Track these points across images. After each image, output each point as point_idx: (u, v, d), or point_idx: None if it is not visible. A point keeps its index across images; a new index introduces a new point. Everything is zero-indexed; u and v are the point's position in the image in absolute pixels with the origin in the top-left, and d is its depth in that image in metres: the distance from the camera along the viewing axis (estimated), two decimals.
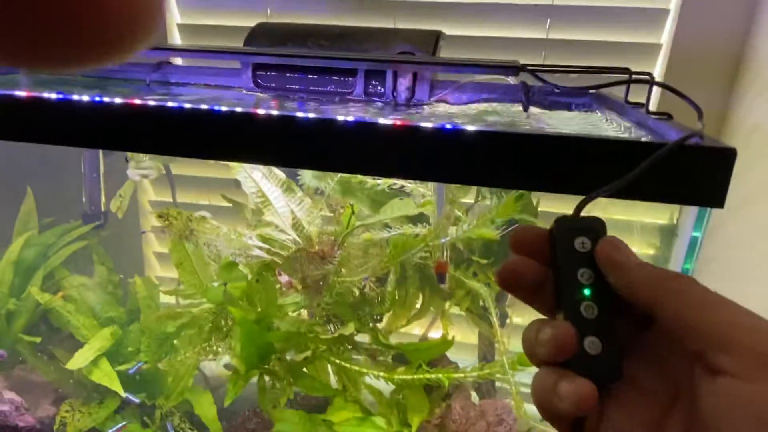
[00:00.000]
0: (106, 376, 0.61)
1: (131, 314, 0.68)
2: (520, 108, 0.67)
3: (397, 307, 0.57)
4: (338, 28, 0.79)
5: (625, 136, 0.44)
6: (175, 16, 1.04)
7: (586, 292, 0.25)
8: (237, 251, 0.49)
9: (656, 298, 0.24)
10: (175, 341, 0.65)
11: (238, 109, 0.39)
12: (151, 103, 0.42)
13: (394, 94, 0.73)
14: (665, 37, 0.86)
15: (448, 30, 0.93)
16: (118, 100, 0.42)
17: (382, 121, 0.37)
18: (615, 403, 0.25)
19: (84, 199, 0.68)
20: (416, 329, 0.77)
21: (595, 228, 0.26)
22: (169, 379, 0.63)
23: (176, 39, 1.05)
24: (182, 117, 0.40)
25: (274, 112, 0.38)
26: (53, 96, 0.43)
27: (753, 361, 0.21)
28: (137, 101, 0.42)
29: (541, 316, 0.27)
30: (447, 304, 0.59)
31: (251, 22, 1.02)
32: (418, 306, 0.63)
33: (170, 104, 0.41)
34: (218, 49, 0.55)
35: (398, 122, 0.37)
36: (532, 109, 0.67)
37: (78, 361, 0.61)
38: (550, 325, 0.25)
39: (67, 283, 0.68)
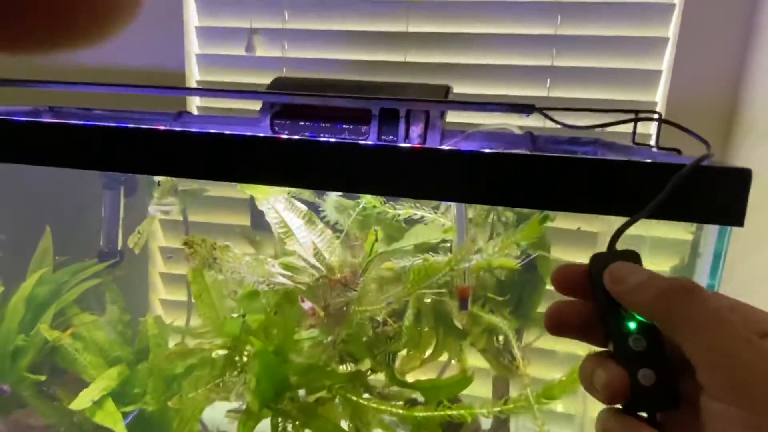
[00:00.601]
0: (110, 418, 0.59)
1: (140, 354, 0.67)
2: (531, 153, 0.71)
3: (410, 348, 0.57)
4: (352, 82, 0.85)
5: None
6: (194, 74, 1.10)
7: (631, 326, 0.26)
8: (260, 278, 0.49)
9: (659, 321, 0.25)
10: (183, 382, 0.63)
11: (261, 134, 0.41)
12: (176, 128, 0.44)
13: (407, 141, 0.76)
14: (659, 95, 0.91)
15: (455, 87, 0.98)
16: (143, 127, 0.44)
17: (402, 144, 0.39)
18: (678, 426, 0.25)
19: (101, 238, 0.69)
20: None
21: (630, 260, 0.27)
22: (174, 422, 0.61)
23: (194, 98, 1.10)
24: (207, 141, 0.42)
25: (297, 137, 0.40)
26: (79, 122, 0.45)
27: (723, 381, 0.22)
28: (162, 127, 0.44)
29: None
30: (463, 344, 0.58)
31: (267, 80, 1.08)
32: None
33: (194, 129, 0.43)
34: (240, 89, 0.58)
35: (418, 145, 0.39)
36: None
37: (82, 400, 0.59)
38: (604, 369, 0.25)
39: (78, 321, 0.67)
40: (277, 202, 0.52)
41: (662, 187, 0.31)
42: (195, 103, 1.10)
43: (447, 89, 0.83)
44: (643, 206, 0.33)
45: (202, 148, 0.41)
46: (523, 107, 0.51)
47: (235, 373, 0.52)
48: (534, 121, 0.94)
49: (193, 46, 1.08)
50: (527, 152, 0.35)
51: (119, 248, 0.70)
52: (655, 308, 0.25)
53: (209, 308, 0.53)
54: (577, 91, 0.93)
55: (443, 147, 0.37)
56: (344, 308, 0.48)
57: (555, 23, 0.92)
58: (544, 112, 0.51)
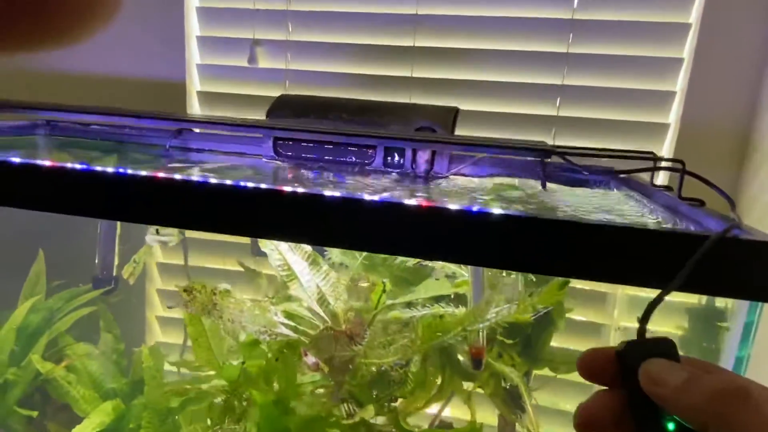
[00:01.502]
0: None
1: (134, 385, 0.64)
2: (538, 183, 0.68)
3: (416, 389, 0.55)
4: (358, 102, 0.82)
5: (656, 219, 0.44)
6: (195, 84, 1.08)
7: (670, 426, 0.24)
8: (262, 328, 0.47)
9: (707, 429, 0.22)
10: (178, 417, 0.61)
11: (263, 186, 0.39)
12: (176, 176, 0.42)
13: (414, 166, 0.74)
14: (672, 117, 0.89)
15: (462, 104, 0.96)
16: (142, 173, 0.42)
17: (408, 201, 0.37)
18: None
19: (97, 264, 0.67)
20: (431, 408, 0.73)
21: (665, 352, 0.26)
22: None
23: (195, 106, 1.08)
24: (206, 191, 0.40)
25: (300, 190, 0.38)
26: (77, 166, 0.43)
27: None
28: (161, 174, 0.42)
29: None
30: (471, 386, 0.56)
31: (269, 92, 1.06)
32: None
33: (194, 178, 0.41)
34: (244, 123, 0.56)
35: (424, 203, 0.37)
36: (550, 185, 0.68)
37: None
38: None
39: (71, 351, 0.65)
40: (281, 243, 0.50)
41: (685, 256, 0.29)
42: (196, 112, 1.07)
43: (456, 111, 0.81)
44: (665, 276, 0.31)
45: (201, 199, 0.39)
46: (541, 151, 0.49)
47: (235, 420, 0.50)
48: (545, 136, 0.92)
49: (195, 56, 1.05)
50: (539, 215, 0.33)
51: (114, 275, 0.68)
52: (704, 416, 0.23)
53: (207, 352, 0.51)
54: (588, 111, 0.90)
55: (451, 206, 0.34)
56: (349, 362, 0.46)
57: (566, 41, 0.90)
58: (563, 155, 0.49)
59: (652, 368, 0.25)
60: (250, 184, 0.38)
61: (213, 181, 0.38)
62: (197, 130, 1.09)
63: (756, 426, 0.21)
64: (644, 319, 0.27)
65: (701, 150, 0.86)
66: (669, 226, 0.42)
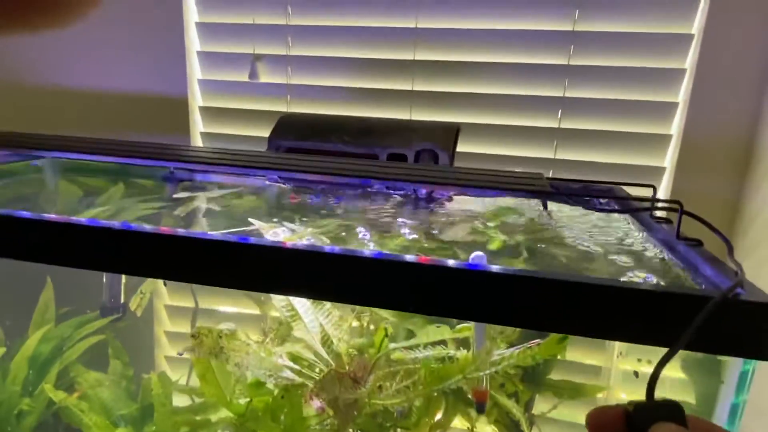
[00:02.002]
0: None
1: (144, 411, 0.66)
2: (539, 204, 0.69)
3: (421, 417, 0.56)
4: (359, 122, 0.82)
5: (655, 262, 0.45)
6: (197, 99, 1.08)
7: None
8: (267, 371, 0.48)
9: None
10: None
11: (266, 242, 0.40)
12: (180, 231, 0.42)
13: (415, 189, 0.74)
14: (675, 128, 0.89)
15: (462, 118, 0.96)
16: (147, 227, 0.43)
17: (407, 258, 0.37)
18: None
19: (104, 292, 0.68)
20: None
21: (672, 416, 0.26)
22: None
23: (198, 122, 1.08)
24: (210, 247, 0.40)
25: (300, 246, 0.39)
26: (82, 220, 0.44)
27: None
28: (166, 230, 0.43)
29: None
30: (474, 416, 0.57)
31: (271, 106, 1.06)
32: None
33: (197, 234, 0.41)
34: (245, 164, 0.56)
35: (423, 258, 0.38)
36: (552, 207, 0.68)
37: None
38: None
39: (82, 380, 0.66)
40: None
41: (687, 315, 0.30)
42: (199, 129, 1.08)
43: (457, 130, 0.81)
44: (666, 334, 0.31)
45: (204, 255, 0.39)
46: (538, 193, 0.49)
47: None
48: (546, 152, 0.92)
49: (196, 71, 1.06)
50: (539, 274, 0.33)
51: (122, 302, 0.69)
52: None
53: (214, 388, 0.52)
54: (590, 122, 0.90)
55: (451, 264, 0.35)
56: (354, 403, 0.46)
57: (568, 53, 0.89)
58: (565, 195, 0.49)
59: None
60: (252, 240, 0.38)
61: (216, 236, 0.39)
62: (200, 139, 1.09)
63: None
64: (652, 380, 0.27)
65: (704, 161, 0.86)
66: (665, 273, 0.43)
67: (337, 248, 0.37)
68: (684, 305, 0.31)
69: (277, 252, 0.38)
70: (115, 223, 0.40)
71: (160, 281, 0.89)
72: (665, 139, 0.90)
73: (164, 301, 1.04)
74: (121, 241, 0.41)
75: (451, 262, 0.36)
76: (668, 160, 0.90)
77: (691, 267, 0.42)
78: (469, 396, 0.58)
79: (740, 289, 0.34)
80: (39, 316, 0.71)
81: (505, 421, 0.57)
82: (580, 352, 0.83)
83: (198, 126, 1.09)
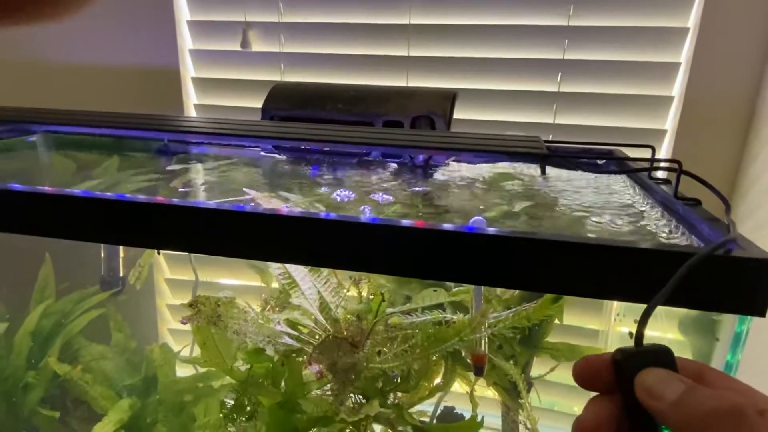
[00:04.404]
0: None
1: (148, 382, 0.67)
2: (537, 169, 0.68)
3: (419, 381, 0.57)
4: (354, 90, 0.80)
5: (651, 219, 0.44)
6: (189, 70, 1.06)
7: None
8: (266, 338, 0.48)
9: None
10: (192, 410, 0.64)
11: (261, 210, 0.39)
12: (175, 201, 0.42)
13: (412, 156, 0.73)
14: (677, 89, 0.87)
15: (460, 83, 0.94)
16: (141, 198, 0.42)
17: (404, 222, 0.37)
18: None
19: (102, 266, 0.68)
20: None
21: (662, 361, 0.25)
22: None
23: (191, 93, 1.06)
24: (206, 215, 0.40)
25: (296, 213, 0.38)
26: (77, 192, 0.43)
27: None
28: (160, 199, 0.42)
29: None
30: (473, 378, 0.58)
31: (264, 76, 1.04)
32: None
33: (193, 204, 0.41)
34: (239, 133, 0.55)
35: (420, 222, 0.37)
36: (551, 172, 0.67)
37: None
38: None
39: (86, 353, 0.67)
40: None
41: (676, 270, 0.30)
42: (192, 101, 1.06)
43: (454, 96, 0.79)
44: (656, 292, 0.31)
45: (202, 223, 0.39)
46: (536, 157, 0.48)
47: (246, 417, 0.52)
48: (545, 117, 0.91)
49: (187, 41, 1.03)
50: (530, 234, 0.33)
51: (121, 276, 0.69)
52: (695, 430, 0.23)
53: (215, 355, 0.53)
54: (590, 85, 0.88)
55: (446, 227, 0.34)
56: (352, 367, 0.47)
57: (567, 13, 0.87)
58: (562, 157, 0.48)
59: (648, 380, 0.25)
60: (249, 208, 0.38)
61: (212, 205, 0.38)
62: (193, 111, 1.07)
63: None
64: (640, 328, 0.27)
65: (706, 123, 0.85)
66: (662, 231, 0.42)
67: (333, 214, 0.37)
68: (675, 262, 0.31)
69: (273, 219, 0.38)
70: (111, 194, 0.40)
71: (159, 255, 0.89)
72: (667, 101, 0.88)
73: (165, 274, 1.04)
74: (116, 211, 0.41)
75: (447, 226, 0.35)
76: (669, 122, 0.89)
77: (689, 226, 0.41)
78: (468, 360, 0.58)
79: (735, 245, 0.33)
80: (39, 291, 0.71)
81: (504, 383, 0.57)
82: (578, 316, 0.84)
83: (191, 98, 1.07)
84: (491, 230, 0.36)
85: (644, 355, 0.26)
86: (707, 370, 0.26)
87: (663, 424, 0.24)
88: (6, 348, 0.67)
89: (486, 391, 0.67)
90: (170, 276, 1.04)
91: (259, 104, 0.84)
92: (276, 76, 1.01)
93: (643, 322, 0.27)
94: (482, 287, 0.48)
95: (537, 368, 0.68)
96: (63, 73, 1.10)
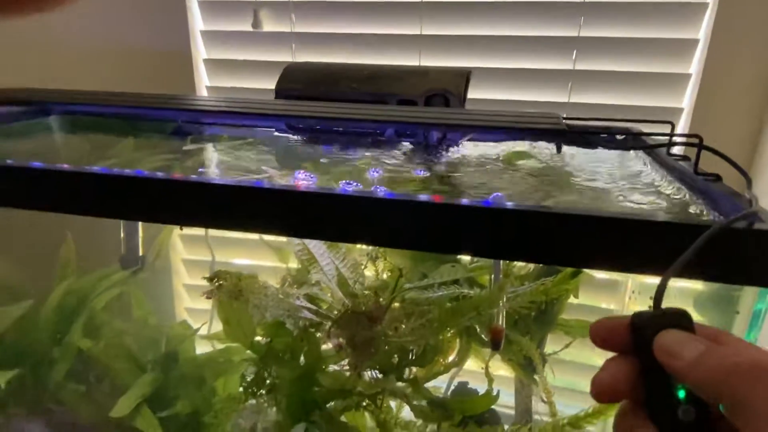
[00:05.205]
0: (149, 424, 0.62)
1: (169, 357, 0.69)
2: (554, 149, 0.67)
3: (435, 356, 0.57)
4: (368, 69, 0.80)
5: (669, 196, 0.44)
6: (201, 51, 1.06)
7: (681, 394, 0.24)
8: (286, 312, 0.49)
9: (721, 402, 0.23)
10: (213, 384, 0.66)
11: (279, 186, 0.40)
12: (192, 177, 0.42)
13: (426, 135, 0.73)
14: (695, 67, 0.85)
15: (473, 62, 0.93)
16: (159, 174, 0.43)
17: (421, 197, 0.37)
18: None
19: (122, 245, 0.69)
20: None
21: (680, 323, 0.25)
22: (207, 424, 0.64)
23: (203, 74, 1.07)
24: (223, 192, 0.40)
25: (314, 189, 0.39)
26: (95, 169, 0.44)
27: None
28: (177, 176, 0.43)
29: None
30: (487, 356, 0.59)
31: (276, 56, 1.04)
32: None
33: (212, 179, 0.41)
34: (255, 111, 0.56)
35: (437, 197, 0.37)
36: (566, 149, 0.67)
37: (121, 408, 0.62)
38: (638, 428, 0.24)
39: (108, 329, 0.69)
40: None
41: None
42: (204, 83, 1.06)
43: (468, 74, 0.78)
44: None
45: (219, 199, 0.40)
46: (556, 133, 0.48)
47: (266, 390, 0.54)
48: (560, 96, 0.90)
49: (198, 22, 1.03)
50: (547, 208, 0.33)
51: (140, 255, 0.71)
52: (717, 391, 0.23)
53: (235, 329, 0.54)
54: (606, 63, 0.87)
55: (462, 202, 0.35)
56: (370, 341, 0.48)
57: None
58: (579, 133, 0.48)
59: (667, 340, 0.25)
60: (265, 183, 0.38)
61: (231, 181, 0.39)
62: (205, 93, 1.07)
63: (759, 398, 0.21)
64: (659, 291, 0.27)
65: (723, 101, 0.83)
66: (682, 206, 0.42)
67: (350, 189, 0.37)
68: (695, 234, 0.31)
69: (291, 195, 0.38)
70: (129, 171, 0.41)
71: (176, 234, 0.90)
72: (684, 78, 0.87)
73: (181, 255, 1.06)
74: (134, 188, 0.41)
75: (464, 200, 0.36)
76: (686, 101, 0.88)
77: (709, 201, 0.41)
78: (483, 336, 0.59)
79: (757, 218, 0.33)
80: (61, 269, 0.73)
81: (518, 359, 0.58)
82: (593, 296, 0.84)
83: (203, 80, 1.07)
84: (509, 204, 0.36)
85: (662, 318, 0.26)
86: (724, 334, 0.26)
87: (682, 383, 0.25)
88: (31, 324, 0.69)
89: (499, 370, 0.68)
90: (186, 256, 1.06)
91: (271, 85, 0.84)
92: (287, 57, 1.01)
93: (661, 288, 0.27)
94: (501, 262, 0.48)
95: (551, 347, 0.69)
96: (74, 56, 1.10)
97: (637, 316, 0.26)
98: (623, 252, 0.35)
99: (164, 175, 0.42)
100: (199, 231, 0.92)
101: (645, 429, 0.25)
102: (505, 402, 0.71)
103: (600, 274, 0.72)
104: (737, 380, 0.22)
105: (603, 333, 0.27)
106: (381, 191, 0.41)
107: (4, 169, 0.43)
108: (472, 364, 0.69)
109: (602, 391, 0.26)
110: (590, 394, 0.27)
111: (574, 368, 0.83)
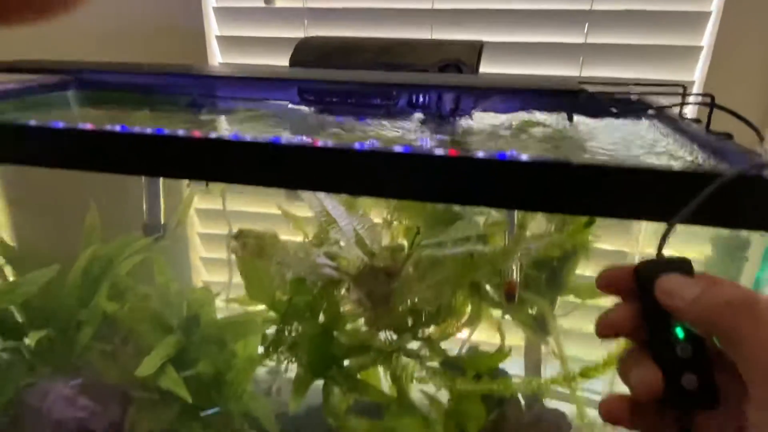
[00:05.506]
0: (173, 383, 0.65)
1: (191, 320, 0.71)
2: (564, 117, 0.68)
3: (448, 316, 0.59)
4: (380, 43, 0.81)
5: (680, 154, 0.45)
6: (213, 29, 1.07)
7: (679, 333, 0.27)
8: (307, 269, 0.51)
9: (715, 336, 0.25)
10: (234, 346, 0.68)
11: (296, 141, 0.41)
12: (213, 135, 0.44)
13: (439, 106, 0.75)
14: (706, 39, 0.86)
15: (484, 36, 0.94)
16: (181, 132, 0.45)
17: (437, 151, 0.38)
18: (710, 423, 0.26)
19: (145, 212, 0.71)
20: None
21: (681, 269, 0.27)
22: (228, 384, 0.67)
23: (215, 51, 1.08)
24: (244, 147, 0.42)
25: (332, 144, 0.40)
26: (117, 128, 0.46)
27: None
28: (197, 133, 0.44)
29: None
30: (500, 317, 0.61)
31: (288, 33, 1.05)
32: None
33: (231, 135, 0.43)
34: (267, 76, 0.57)
35: (453, 151, 0.39)
36: (578, 119, 0.68)
37: (146, 367, 0.65)
38: (643, 369, 0.27)
39: (132, 293, 0.72)
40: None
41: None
42: (217, 60, 1.08)
43: (480, 46, 0.79)
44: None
45: (238, 154, 0.41)
46: (569, 93, 0.49)
47: (287, 347, 0.56)
48: (572, 70, 0.90)
49: None
50: (558, 159, 0.34)
51: (162, 222, 0.73)
52: (712, 325, 0.25)
53: (259, 290, 0.56)
54: (618, 36, 0.88)
55: (476, 153, 0.36)
56: (387, 296, 0.50)
57: None
58: (592, 94, 0.49)
59: (668, 283, 0.27)
60: (285, 139, 0.40)
61: (250, 137, 0.40)
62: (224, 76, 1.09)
63: (760, 337, 0.23)
64: (662, 239, 0.29)
65: (735, 74, 0.84)
66: (691, 162, 0.43)
67: (367, 144, 0.39)
68: (704, 184, 0.32)
69: (310, 151, 0.40)
70: (150, 129, 0.42)
71: (193, 209, 0.92)
72: (696, 51, 0.87)
73: (196, 228, 1.08)
74: (156, 145, 0.43)
75: (480, 153, 0.37)
76: (698, 73, 0.88)
77: (721, 156, 0.42)
78: (494, 298, 0.61)
79: (761, 167, 0.35)
80: (86, 236, 0.76)
81: (528, 322, 0.60)
82: (602, 262, 0.86)
83: (216, 57, 1.08)
84: (524, 156, 0.37)
85: (664, 264, 0.28)
86: (720, 279, 0.28)
87: (680, 321, 0.27)
88: (59, 288, 0.72)
89: (509, 341, 0.69)
90: (202, 230, 1.08)
91: (284, 62, 0.85)
92: (299, 33, 1.02)
93: (664, 236, 0.29)
94: (515, 215, 0.50)
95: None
96: (86, 34, 1.11)
97: (642, 263, 0.28)
98: (635, 201, 0.36)
99: (185, 132, 0.44)
100: (215, 205, 0.94)
101: (646, 366, 0.27)
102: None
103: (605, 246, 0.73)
104: (729, 312, 0.24)
105: (609, 279, 0.29)
106: (398, 147, 0.42)
107: (30, 128, 0.45)
108: (482, 336, 0.70)
109: (606, 326, 0.28)
110: (594, 329, 0.29)
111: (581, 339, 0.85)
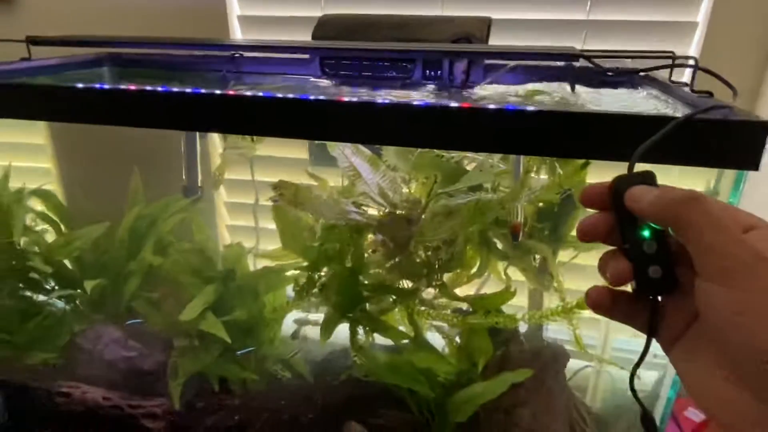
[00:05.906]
0: (213, 327, 0.73)
1: (228, 273, 0.79)
2: (569, 89, 0.75)
3: (460, 267, 0.67)
4: (396, 19, 0.87)
5: (670, 111, 0.52)
6: (234, 8, 1.12)
7: (646, 234, 0.33)
8: (338, 215, 0.58)
9: (669, 225, 0.31)
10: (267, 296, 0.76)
11: (324, 97, 0.48)
12: (248, 93, 0.51)
13: (451, 78, 0.81)
14: (701, 15, 0.91)
15: (489, 13, 0.99)
16: (218, 91, 0.52)
17: (453, 104, 0.45)
18: (676, 308, 0.33)
19: (184, 175, 0.79)
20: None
21: (647, 181, 0.34)
22: (262, 329, 0.74)
23: (237, 30, 1.14)
24: (277, 103, 0.49)
25: (356, 99, 0.47)
26: (159, 89, 0.53)
27: (714, 267, 0.28)
28: (232, 92, 0.51)
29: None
30: (506, 264, 0.68)
31: (306, 12, 1.10)
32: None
33: (267, 94, 0.50)
34: (294, 45, 0.63)
35: (466, 104, 0.46)
36: (579, 89, 0.74)
37: (189, 313, 0.72)
38: (616, 262, 0.33)
39: (173, 249, 0.79)
40: (346, 148, 0.60)
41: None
42: (239, 37, 1.13)
43: (489, 22, 0.85)
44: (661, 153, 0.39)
45: (271, 110, 0.48)
46: (568, 56, 0.55)
47: (315, 290, 0.64)
48: (576, 41, 0.96)
49: None
50: (555, 109, 0.41)
51: (200, 185, 0.80)
52: (665, 216, 0.31)
53: (292, 239, 0.63)
54: (618, 13, 0.93)
55: (489, 106, 0.43)
56: (408, 240, 0.57)
57: None
58: (589, 58, 0.55)
59: (634, 191, 0.33)
60: (314, 96, 0.47)
61: (282, 95, 0.47)
62: (250, 55, 1.16)
63: (703, 224, 0.29)
64: (630, 166, 0.35)
65: (729, 50, 0.88)
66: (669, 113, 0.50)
67: (387, 100, 0.46)
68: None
69: (337, 105, 0.47)
70: (189, 89, 0.49)
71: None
72: (691, 27, 0.92)
73: (223, 198, 1.16)
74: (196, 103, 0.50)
75: (490, 105, 0.44)
76: (693, 47, 0.93)
77: (699, 108, 0.48)
78: (500, 247, 0.68)
79: (731, 111, 0.41)
80: (131, 197, 0.83)
81: (531, 269, 0.67)
82: None
83: (238, 36, 1.14)
84: (529, 107, 0.44)
85: (633, 177, 0.34)
86: (679, 189, 0.33)
87: (645, 222, 0.33)
88: (109, 243, 0.80)
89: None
90: (227, 199, 1.15)
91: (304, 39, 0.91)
92: (318, 12, 1.08)
93: (633, 160, 0.35)
94: (521, 160, 0.57)
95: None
96: (108, 14, 1.15)
97: (616, 178, 0.35)
98: (618, 144, 0.42)
99: (221, 91, 0.51)
100: (243, 176, 1.00)
101: (619, 260, 0.34)
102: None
103: None
104: (681, 206, 0.31)
105: (589, 194, 0.36)
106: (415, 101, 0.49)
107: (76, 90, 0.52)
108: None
109: (586, 231, 0.35)
110: (577, 234, 0.36)
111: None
